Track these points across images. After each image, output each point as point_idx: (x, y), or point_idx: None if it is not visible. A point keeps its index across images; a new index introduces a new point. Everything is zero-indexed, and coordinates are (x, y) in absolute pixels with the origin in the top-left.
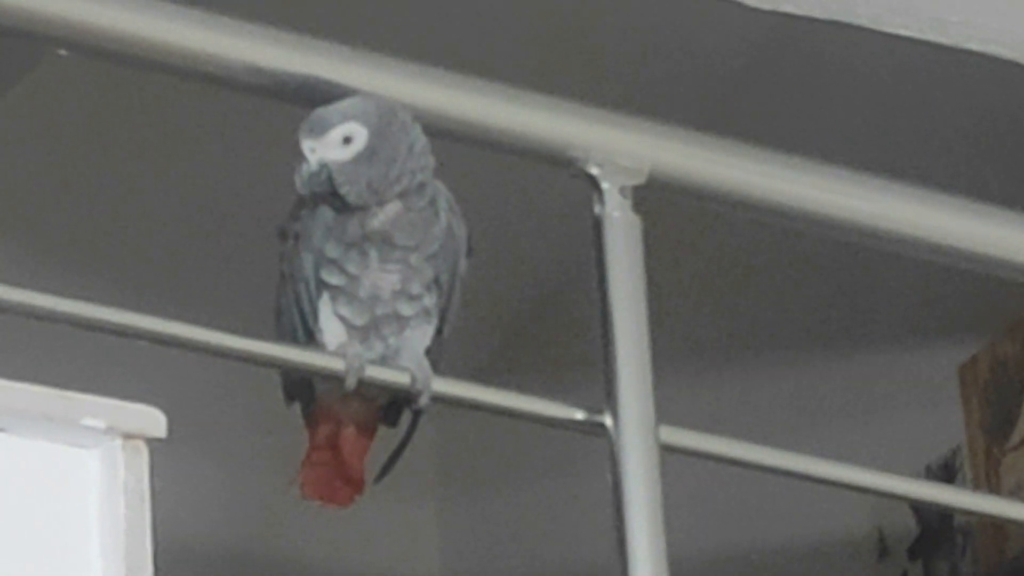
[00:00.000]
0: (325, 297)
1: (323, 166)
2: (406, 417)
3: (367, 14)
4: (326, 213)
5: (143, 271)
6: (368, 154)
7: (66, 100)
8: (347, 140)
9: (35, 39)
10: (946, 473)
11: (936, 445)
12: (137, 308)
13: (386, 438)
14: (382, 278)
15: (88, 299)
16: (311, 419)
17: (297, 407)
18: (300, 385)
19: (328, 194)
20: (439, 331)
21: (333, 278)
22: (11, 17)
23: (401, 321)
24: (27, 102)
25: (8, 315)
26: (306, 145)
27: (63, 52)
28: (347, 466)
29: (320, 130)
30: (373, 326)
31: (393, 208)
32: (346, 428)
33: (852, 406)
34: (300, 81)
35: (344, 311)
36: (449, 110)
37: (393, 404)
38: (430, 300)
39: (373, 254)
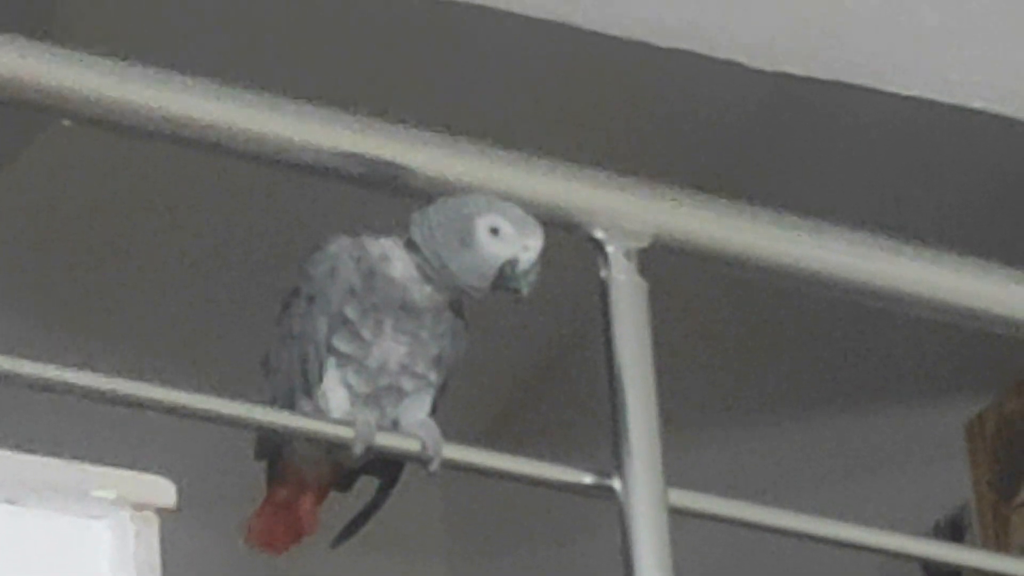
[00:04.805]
0: (332, 363)
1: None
2: (366, 484)
3: (369, 79)
4: (350, 275)
5: (150, 340)
6: None
7: (69, 169)
8: None
9: (41, 109)
10: (954, 530)
11: (944, 502)
12: (145, 378)
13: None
14: (392, 349)
15: (95, 369)
16: (274, 477)
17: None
18: (274, 444)
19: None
20: (433, 405)
21: (346, 345)
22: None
23: (401, 394)
24: (31, 171)
25: (16, 387)
26: (536, 244)
27: (67, 122)
28: (298, 523)
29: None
30: (374, 396)
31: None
32: (307, 489)
33: (860, 464)
34: (298, 152)
35: (352, 379)
36: (453, 175)
37: (354, 471)
38: (433, 377)
39: (388, 322)
